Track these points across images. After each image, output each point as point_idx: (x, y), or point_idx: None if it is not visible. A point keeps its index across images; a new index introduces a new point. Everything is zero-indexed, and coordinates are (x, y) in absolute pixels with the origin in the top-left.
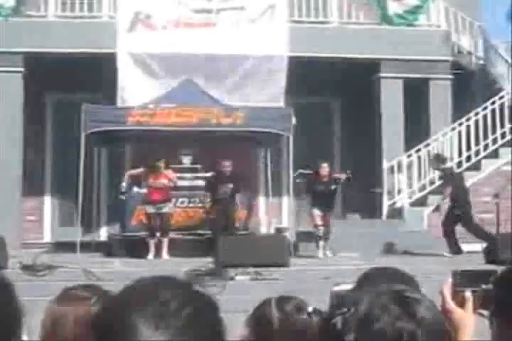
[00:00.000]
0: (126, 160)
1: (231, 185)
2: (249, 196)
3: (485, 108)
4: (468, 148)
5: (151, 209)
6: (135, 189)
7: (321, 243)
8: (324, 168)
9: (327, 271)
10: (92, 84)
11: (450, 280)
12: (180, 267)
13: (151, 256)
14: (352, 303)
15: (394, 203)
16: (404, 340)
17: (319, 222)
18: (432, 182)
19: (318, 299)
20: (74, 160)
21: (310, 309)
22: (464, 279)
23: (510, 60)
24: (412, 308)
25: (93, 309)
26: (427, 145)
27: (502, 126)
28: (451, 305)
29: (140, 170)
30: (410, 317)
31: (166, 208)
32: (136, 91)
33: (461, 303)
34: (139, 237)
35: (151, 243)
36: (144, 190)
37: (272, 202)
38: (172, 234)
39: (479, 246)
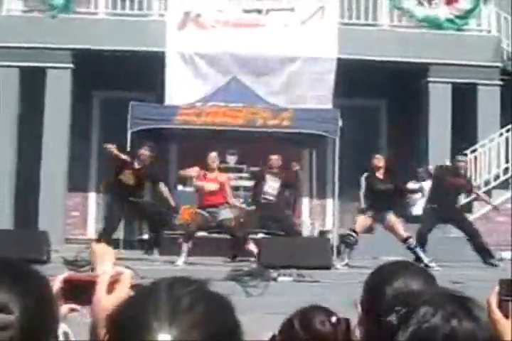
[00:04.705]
0: (172, 159)
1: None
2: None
3: None
4: None
5: (205, 214)
6: (180, 187)
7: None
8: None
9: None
10: (140, 82)
11: (497, 288)
12: (223, 267)
13: (180, 261)
14: (406, 302)
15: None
16: (459, 337)
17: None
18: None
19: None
20: None
21: (333, 319)
22: (511, 289)
23: None
24: (467, 308)
25: None
26: (474, 150)
27: None
28: (496, 314)
29: (196, 169)
30: (466, 315)
31: (224, 213)
32: (184, 90)
33: (507, 313)
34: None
35: (185, 246)
36: (190, 189)
37: (315, 204)
38: (214, 234)
39: None
